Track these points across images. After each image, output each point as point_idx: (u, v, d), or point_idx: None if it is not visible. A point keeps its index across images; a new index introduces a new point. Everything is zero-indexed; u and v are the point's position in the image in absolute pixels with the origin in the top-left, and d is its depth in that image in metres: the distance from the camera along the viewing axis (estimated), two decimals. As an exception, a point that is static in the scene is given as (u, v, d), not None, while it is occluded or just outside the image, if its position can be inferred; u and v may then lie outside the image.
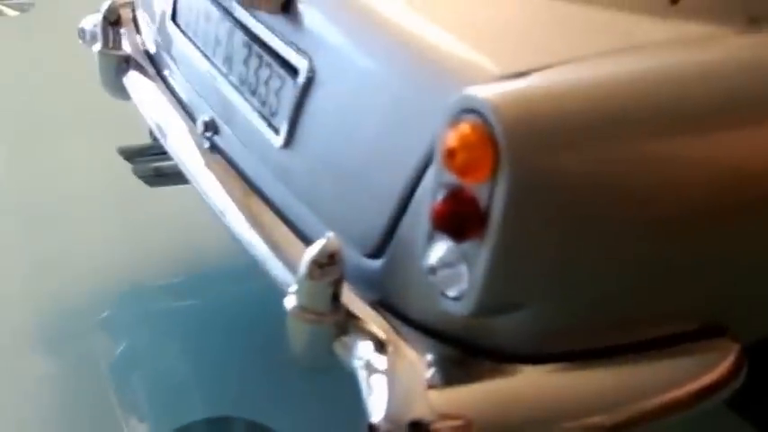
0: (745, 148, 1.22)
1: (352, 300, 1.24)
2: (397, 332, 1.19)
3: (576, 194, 1.09)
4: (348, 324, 1.21)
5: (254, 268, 1.45)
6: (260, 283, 1.43)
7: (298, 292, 1.22)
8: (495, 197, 1.04)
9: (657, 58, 1.23)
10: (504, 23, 1.31)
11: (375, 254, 1.26)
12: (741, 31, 1.29)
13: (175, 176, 1.90)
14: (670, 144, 1.17)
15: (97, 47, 1.91)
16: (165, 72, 1.87)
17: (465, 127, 1.05)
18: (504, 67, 1.15)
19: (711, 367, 1.22)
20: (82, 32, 1.99)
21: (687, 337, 1.24)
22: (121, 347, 2.17)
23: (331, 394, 1.46)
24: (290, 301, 1.23)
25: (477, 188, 1.06)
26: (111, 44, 1.90)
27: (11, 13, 3.61)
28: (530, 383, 1.16)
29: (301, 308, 1.21)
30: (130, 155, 2.23)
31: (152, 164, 2.19)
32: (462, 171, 1.06)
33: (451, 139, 1.06)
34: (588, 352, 1.19)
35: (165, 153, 1.82)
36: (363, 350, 1.18)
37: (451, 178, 1.08)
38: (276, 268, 1.37)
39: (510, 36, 1.28)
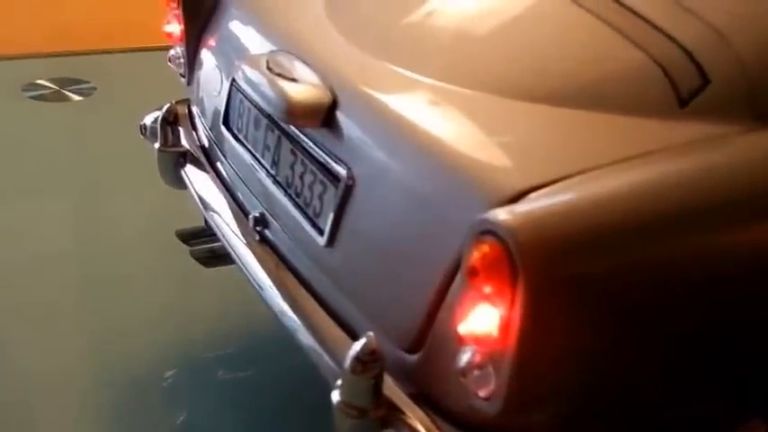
0: (759, 240, 1.28)
1: (393, 393, 1.32)
2: (437, 426, 1.27)
3: (593, 303, 1.17)
4: (390, 418, 1.30)
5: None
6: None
7: (342, 387, 1.32)
8: (515, 310, 1.14)
9: (668, 164, 1.29)
10: (525, 134, 1.40)
11: (413, 349, 1.34)
12: (749, 129, 1.35)
13: (229, 258, 2.02)
14: (684, 247, 1.23)
15: (156, 145, 2.06)
16: (218, 165, 1.99)
17: (485, 247, 1.15)
18: (524, 180, 1.24)
19: None
20: (143, 128, 2.12)
21: (718, 420, 1.30)
22: (180, 418, 2.25)
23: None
24: (335, 396, 1.33)
25: (498, 302, 1.16)
26: (169, 142, 2.05)
27: (75, 97, 3.87)
28: None
29: (345, 403, 1.32)
30: (187, 237, 2.33)
31: (207, 245, 2.29)
32: (484, 287, 1.16)
33: (473, 258, 1.17)
34: None
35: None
36: (405, 444, 1.27)
37: (475, 293, 1.18)
38: (322, 360, 1.47)
39: (530, 147, 1.37)
